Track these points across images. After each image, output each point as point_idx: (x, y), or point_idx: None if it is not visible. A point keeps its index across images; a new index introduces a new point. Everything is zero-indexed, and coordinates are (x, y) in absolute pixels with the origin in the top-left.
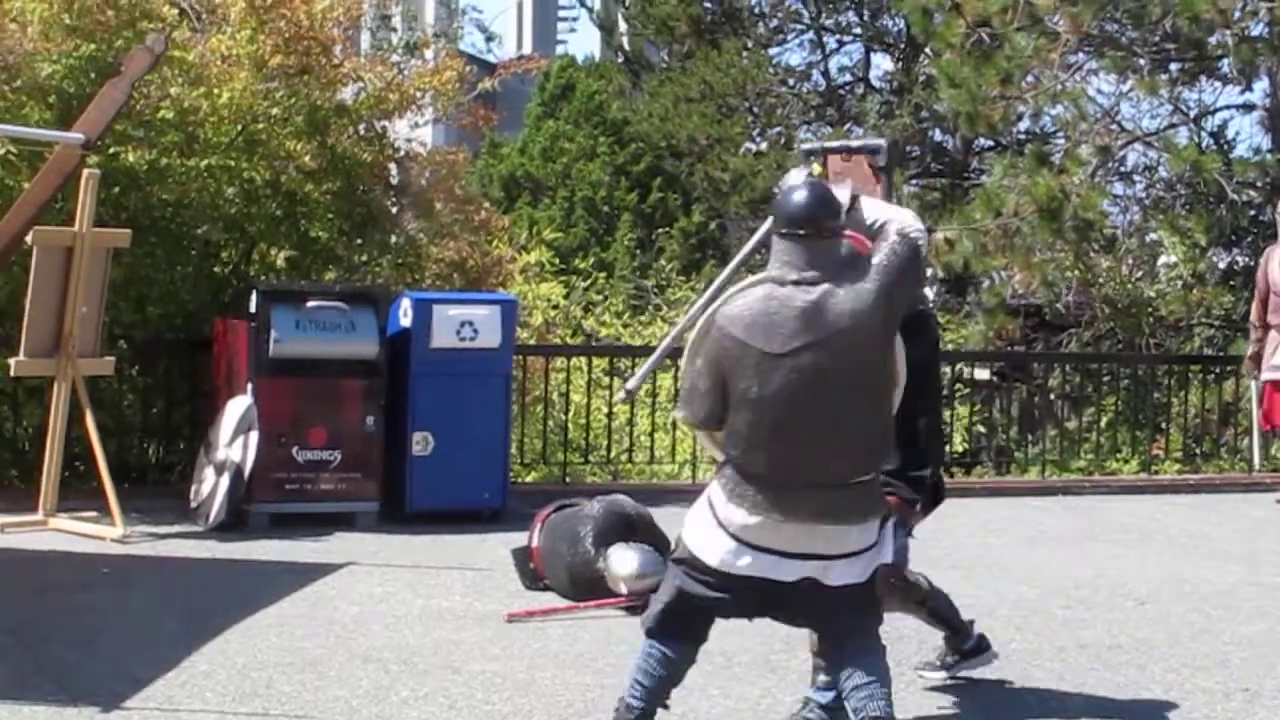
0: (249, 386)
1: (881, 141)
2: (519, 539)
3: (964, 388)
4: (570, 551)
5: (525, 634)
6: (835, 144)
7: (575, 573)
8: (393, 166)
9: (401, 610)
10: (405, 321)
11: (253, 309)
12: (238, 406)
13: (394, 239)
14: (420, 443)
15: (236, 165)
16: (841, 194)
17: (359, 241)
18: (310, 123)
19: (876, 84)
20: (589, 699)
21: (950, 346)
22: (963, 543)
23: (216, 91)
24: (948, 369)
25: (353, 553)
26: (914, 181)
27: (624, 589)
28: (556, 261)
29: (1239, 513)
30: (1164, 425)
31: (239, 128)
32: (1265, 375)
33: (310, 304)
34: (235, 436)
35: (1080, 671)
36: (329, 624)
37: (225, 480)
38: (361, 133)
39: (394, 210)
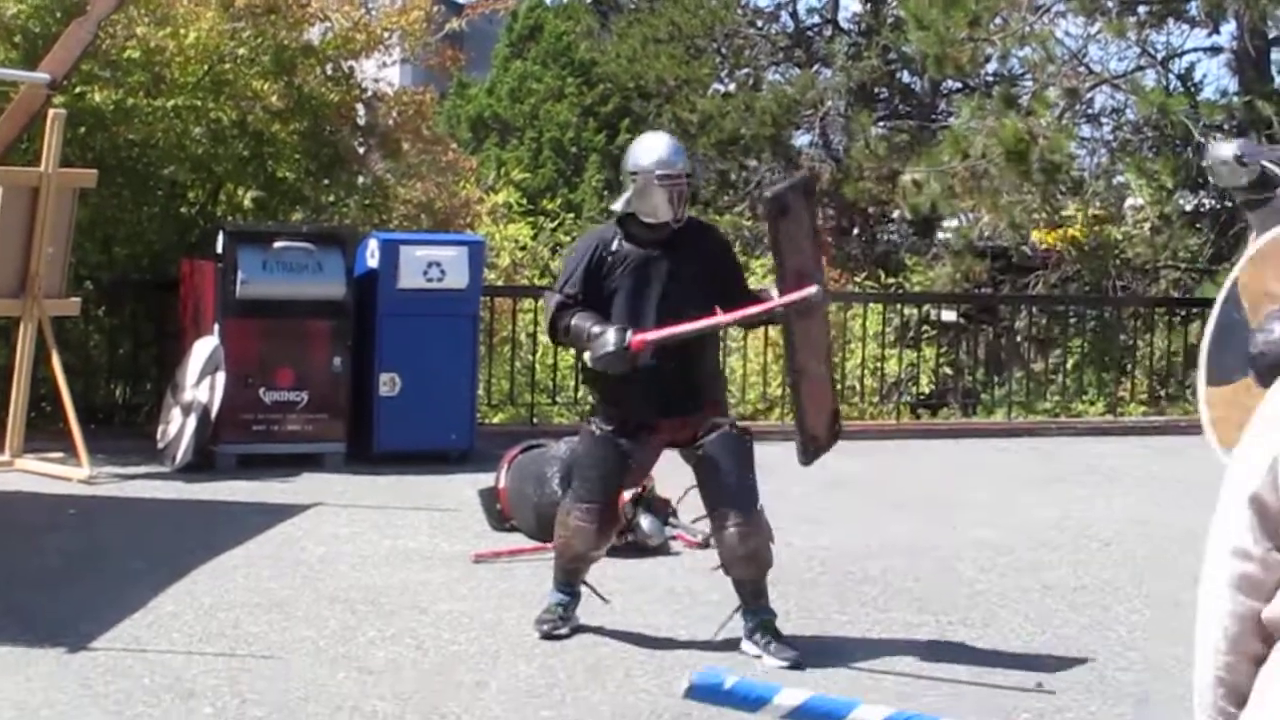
0: (215, 327)
1: None
2: (486, 480)
3: (931, 329)
4: (537, 492)
5: (492, 574)
6: None
7: (542, 513)
8: (360, 107)
9: (368, 551)
10: (372, 262)
11: (219, 250)
12: (204, 347)
13: (361, 180)
14: (387, 384)
15: (203, 105)
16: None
17: (326, 182)
18: (277, 63)
19: (845, 25)
20: (555, 639)
21: (918, 288)
22: (927, 485)
23: (183, 31)
24: (914, 310)
25: (319, 493)
26: (882, 123)
27: None
28: (524, 202)
29: (1202, 455)
30: (1130, 367)
31: (205, 68)
32: None
33: (277, 245)
34: (202, 377)
35: (1046, 613)
36: (296, 564)
37: (192, 421)
38: (328, 73)
39: (361, 151)
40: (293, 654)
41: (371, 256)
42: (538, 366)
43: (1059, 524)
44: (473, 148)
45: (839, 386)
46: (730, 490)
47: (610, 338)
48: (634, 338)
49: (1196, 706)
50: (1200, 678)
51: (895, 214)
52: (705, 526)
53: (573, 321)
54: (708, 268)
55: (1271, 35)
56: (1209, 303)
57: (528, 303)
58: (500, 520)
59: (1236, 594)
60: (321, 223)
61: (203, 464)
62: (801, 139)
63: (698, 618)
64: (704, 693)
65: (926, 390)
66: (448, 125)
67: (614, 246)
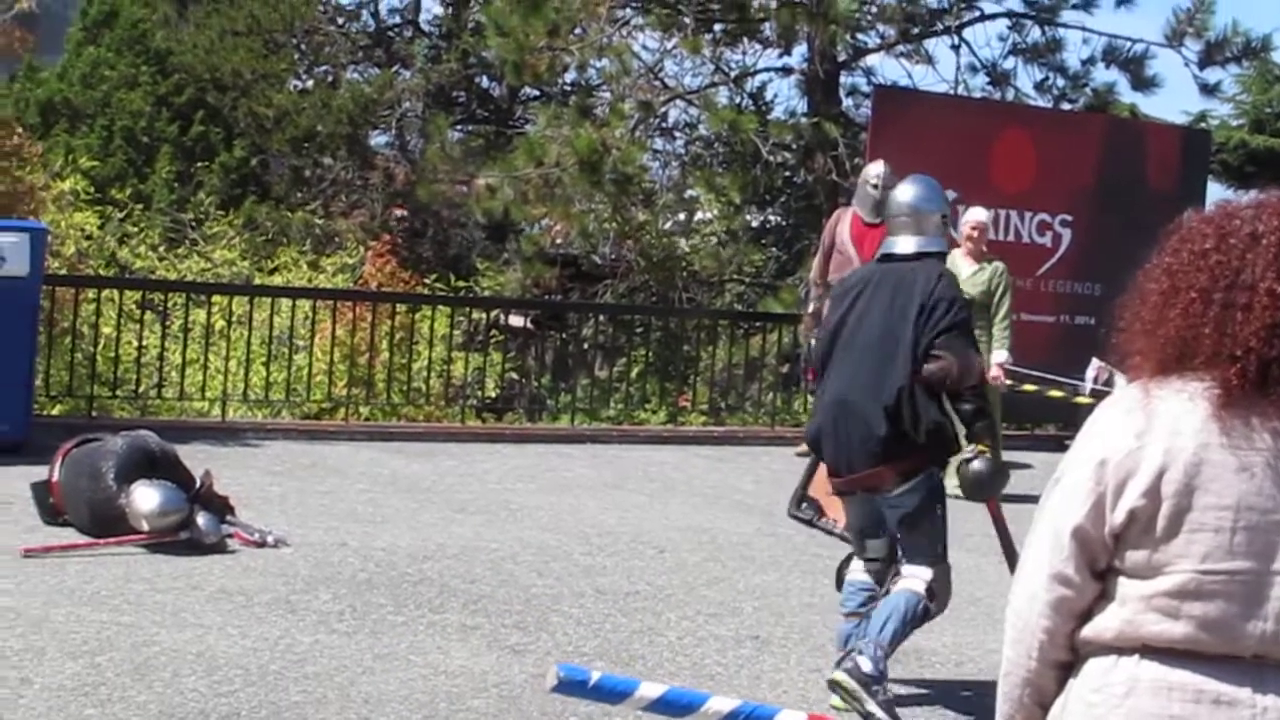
0: None
1: None
2: (40, 473)
3: (499, 334)
4: (92, 487)
5: (42, 570)
6: None
7: (96, 509)
8: None
9: None
10: None
11: None
12: None
13: None
14: None
15: None
16: None
17: None
18: None
19: (425, 27)
20: (104, 636)
21: (488, 292)
22: (489, 488)
23: None
24: (483, 315)
25: None
26: (458, 128)
27: (145, 526)
28: (92, 191)
29: (760, 465)
30: (692, 378)
31: None
32: None
33: None
34: None
35: (598, 617)
36: None
37: None
38: None
39: None
40: None
41: None
42: (99, 358)
43: (615, 530)
44: (42, 133)
45: (405, 388)
46: None
47: None
48: None
49: (1001, 702)
50: (1009, 679)
51: (469, 218)
52: (263, 526)
53: None
54: None
55: (840, 59)
56: (771, 317)
57: (91, 293)
58: (53, 515)
59: (1055, 615)
60: None
61: None
62: (378, 139)
63: (250, 618)
64: (570, 688)
65: (493, 394)
66: (16, 109)
67: None
